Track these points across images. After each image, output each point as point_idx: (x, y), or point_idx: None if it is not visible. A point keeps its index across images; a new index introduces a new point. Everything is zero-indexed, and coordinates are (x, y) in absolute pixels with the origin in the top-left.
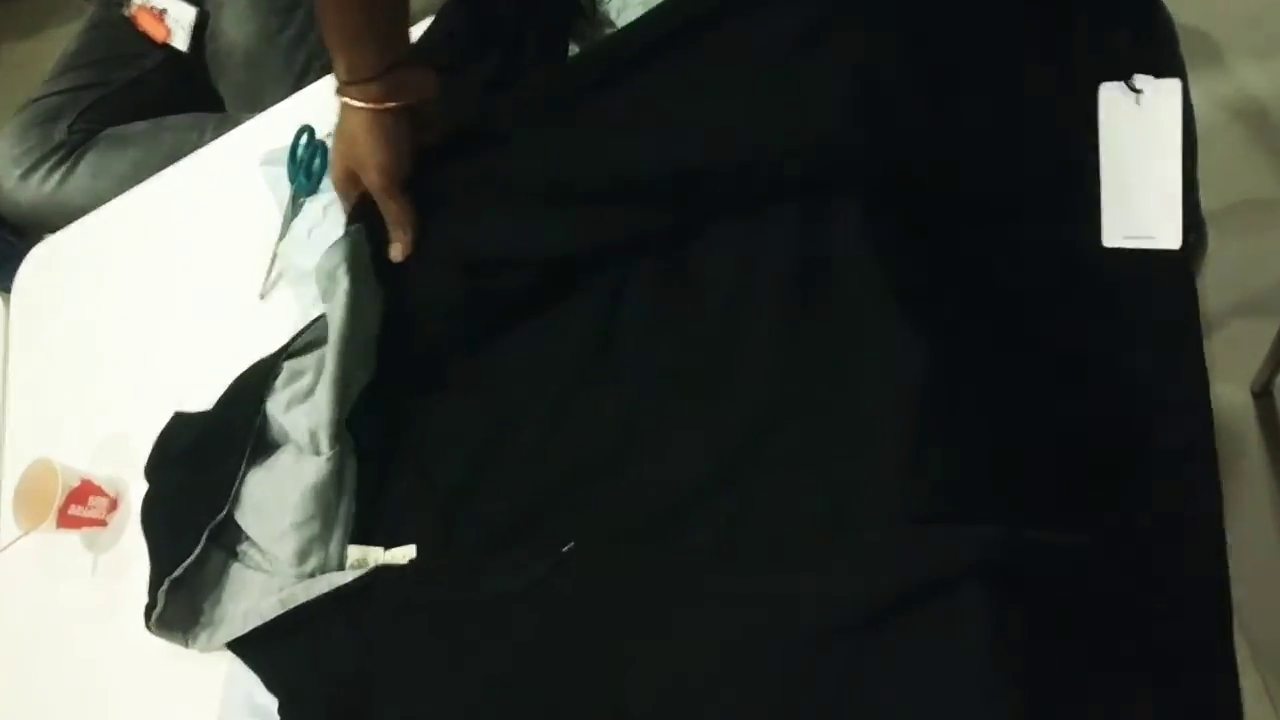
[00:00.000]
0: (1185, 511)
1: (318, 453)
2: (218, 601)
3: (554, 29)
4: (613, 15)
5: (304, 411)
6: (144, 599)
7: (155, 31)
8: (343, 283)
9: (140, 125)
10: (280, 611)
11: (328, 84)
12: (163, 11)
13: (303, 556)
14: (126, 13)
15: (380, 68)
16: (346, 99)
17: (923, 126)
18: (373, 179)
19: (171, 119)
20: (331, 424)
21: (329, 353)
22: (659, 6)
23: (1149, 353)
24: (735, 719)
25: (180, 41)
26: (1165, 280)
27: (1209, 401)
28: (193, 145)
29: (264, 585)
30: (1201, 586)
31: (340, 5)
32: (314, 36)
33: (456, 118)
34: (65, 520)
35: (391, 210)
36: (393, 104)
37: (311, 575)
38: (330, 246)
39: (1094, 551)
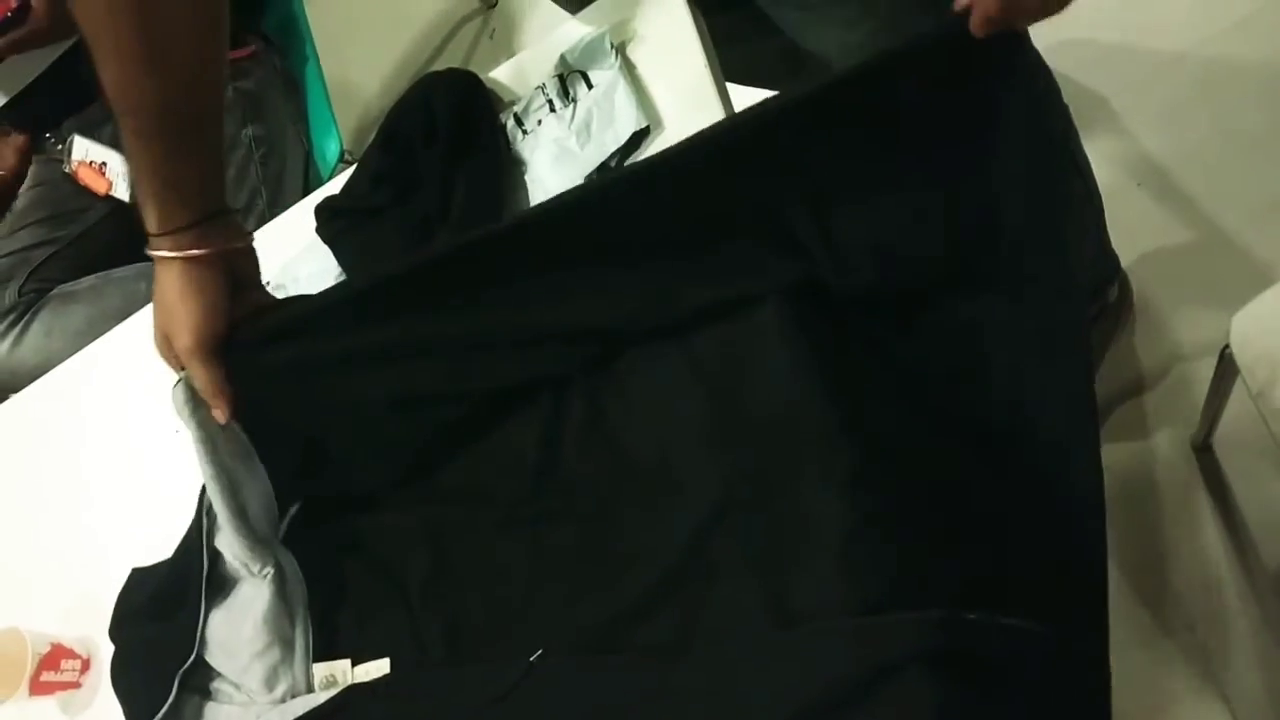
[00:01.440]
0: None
1: (253, 575)
2: None
3: (481, 173)
4: (525, 154)
5: (223, 543)
6: None
7: (96, 185)
8: (190, 424)
9: (87, 281)
10: None
11: (275, 226)
12: (102, 164)
13: (271, 684)
14: (67, 169)
15: (193, 217)
16: (158, 251)
17: (821, 231)
18: (182, 341)
19: (117, 272)
20: (243, 543)
21: (206, 482)
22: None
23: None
24: None
25: (122, 192)
26: (1066, 350)
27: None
28: (142, 295)
29: (240, 717)
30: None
31: (152, 155)
32: (254, 174)
33: (379, 269)
34: (38, 687)
35: (200, 378)
36: (205, 250)
37: (284, 700)
38: (173, 388)
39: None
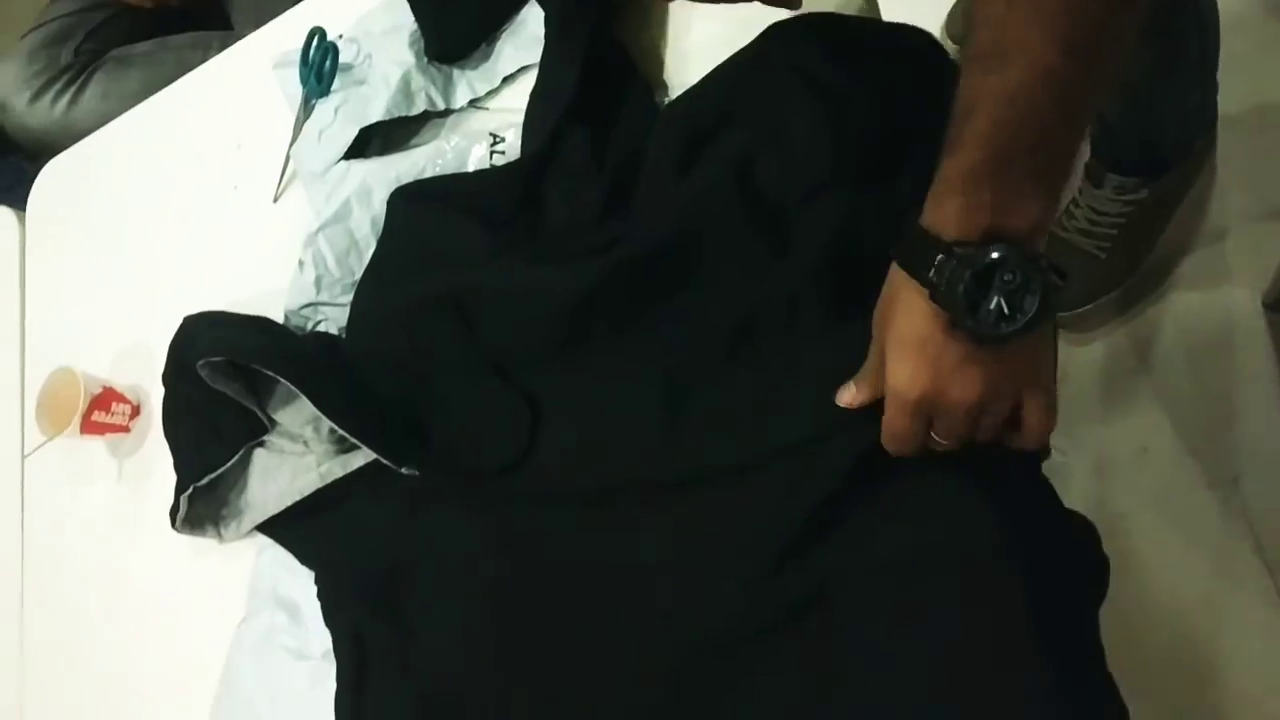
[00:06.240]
0: None
1: None
2: (244, 489)
3: None
4: None
5: None
6: (169, 501)
7: None
8: None
9: (144, 45)
10: (320, 485)
11: None
12: None
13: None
14: None
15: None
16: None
17: None
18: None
19: (175, 38)
20: None
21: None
22: None
23: None
24: None
25: None
26: None
27: None
28: (199, 63)
29: (296, 466)
30: None
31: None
32: None
33: None
34: (89, 426)
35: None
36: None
37: (347, 452)
38: None
39: None
